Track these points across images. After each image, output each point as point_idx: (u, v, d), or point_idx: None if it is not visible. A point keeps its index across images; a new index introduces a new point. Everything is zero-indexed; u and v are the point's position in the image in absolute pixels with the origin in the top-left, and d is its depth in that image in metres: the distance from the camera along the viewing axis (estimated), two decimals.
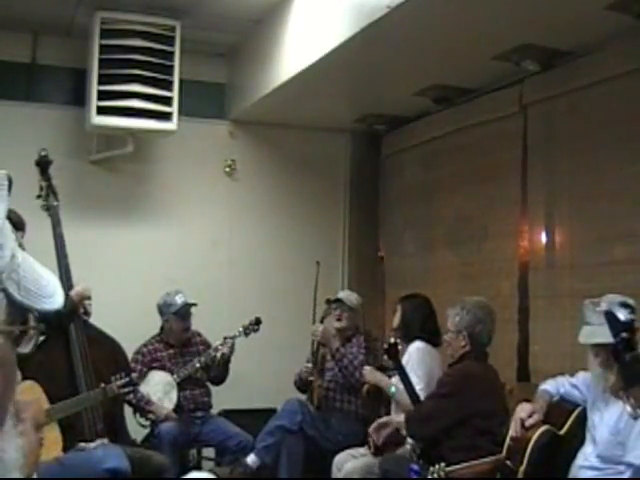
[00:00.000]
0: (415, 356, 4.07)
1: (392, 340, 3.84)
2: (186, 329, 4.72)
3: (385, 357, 3.94)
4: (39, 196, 3.80)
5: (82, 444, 3.42)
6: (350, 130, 5.90)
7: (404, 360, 3.99)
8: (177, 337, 4.71)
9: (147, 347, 4.69)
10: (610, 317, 2.63)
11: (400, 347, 3.87)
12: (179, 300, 4.67)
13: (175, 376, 4.60)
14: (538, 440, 3.03)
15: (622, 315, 2.66)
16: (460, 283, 4.91)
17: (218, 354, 4.64)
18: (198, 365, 4.66)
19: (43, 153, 3.82)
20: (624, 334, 2.55)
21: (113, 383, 3.51)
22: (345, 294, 4.84)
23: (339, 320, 4.69)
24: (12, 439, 1.05)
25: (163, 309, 4.71)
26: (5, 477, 1.02)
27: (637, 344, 2.54)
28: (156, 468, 3.62)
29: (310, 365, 4.74)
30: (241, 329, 4.76)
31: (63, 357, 3.58)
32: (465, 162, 4.98)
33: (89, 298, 3.72)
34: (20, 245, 1.14)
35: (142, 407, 4.44)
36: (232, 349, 4.67)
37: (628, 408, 2.50)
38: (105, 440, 3.49)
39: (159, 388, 4.56)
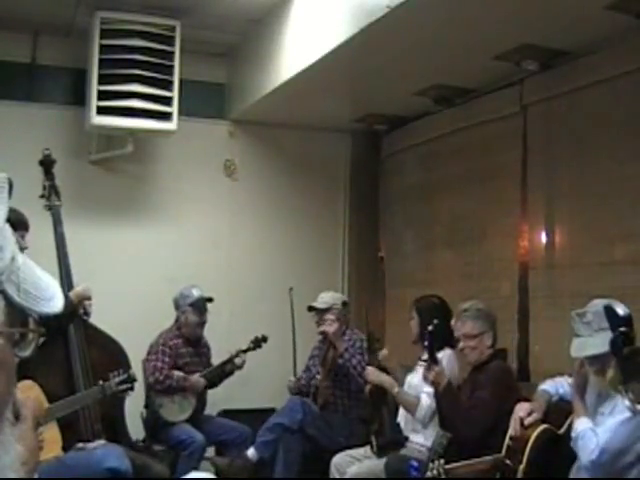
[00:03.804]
0: (448, 364, 3.84)
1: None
2: (202, 323, 4.73)
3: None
4: (42, 196, 3.81)
5: (80, 444, 3.42)
6: (350, 130, 5.89)
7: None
8: (192, 331, 4.71)
9: (171, 341, 4.65)
10: (609, 311, 2.64)
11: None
12: (196, 293, 4.70)
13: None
14: (537, 439, 3.03)
15: (621, 310, 2.67)
16: (460, 283, 4.90)
17: (237, 364, 4.77)
18: (221, 372, 4.75)
19: (47, 152, 3.83)
20: (623, 328, 2.56)
21: (111, 380, 3.51)
22: (320, 297, 4.71)
23: (327, 325, 4.61)
24: (9, 444, 1.04)
25: (180, 301, 4.72)
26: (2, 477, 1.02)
27: (635, 338, 2.55)
28: (155, 477, 3.61)
29: (293, 379, 4.81)
30: (252, 345, 4.85)
31: (62, 357, 3.58)
32: (465, 162, 4.98)
33: (89, 299, 3.72)
34: (19, 244, 1.14)
35: (182, 386, 4.52)
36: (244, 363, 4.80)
37: (627, 402, 2.50)
38: (102, 441, 3.48)
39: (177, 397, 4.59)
